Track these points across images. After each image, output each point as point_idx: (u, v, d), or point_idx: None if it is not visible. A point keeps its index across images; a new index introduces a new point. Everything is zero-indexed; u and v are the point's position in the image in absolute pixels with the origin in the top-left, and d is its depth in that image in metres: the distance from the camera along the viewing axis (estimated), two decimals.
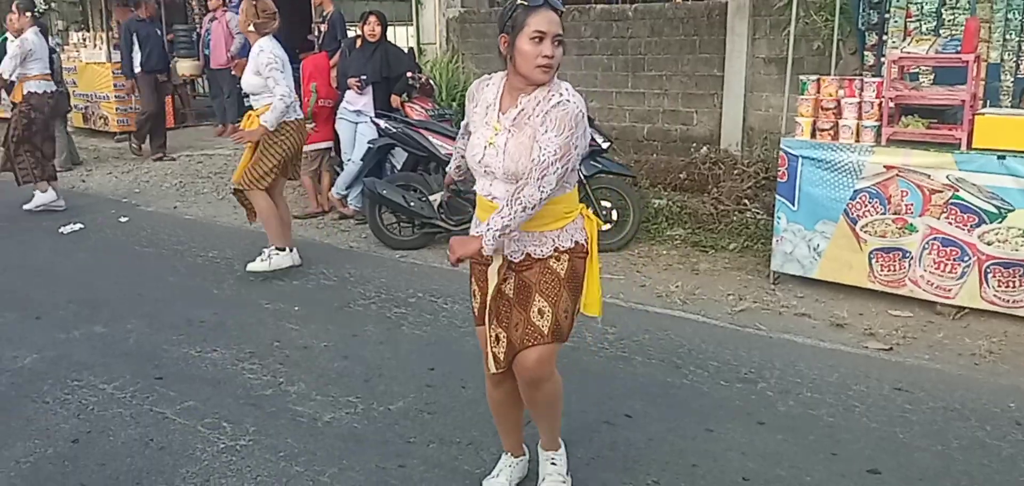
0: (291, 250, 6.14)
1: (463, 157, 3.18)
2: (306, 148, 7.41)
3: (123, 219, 7.95)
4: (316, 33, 10.33)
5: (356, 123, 7.53)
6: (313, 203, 8.02)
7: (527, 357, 2.90)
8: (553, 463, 3.29)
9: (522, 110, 2.79)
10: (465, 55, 10.53)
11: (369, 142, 7.24)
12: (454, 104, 8.67)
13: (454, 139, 6.75)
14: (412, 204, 6.68)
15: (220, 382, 4.34)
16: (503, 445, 3.39)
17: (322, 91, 7.72)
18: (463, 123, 3.11)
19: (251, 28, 5.76)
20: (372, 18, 7.50)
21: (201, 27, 12.94)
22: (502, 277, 2.91)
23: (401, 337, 4.97)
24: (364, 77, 7.35)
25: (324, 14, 9.33)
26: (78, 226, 7.61)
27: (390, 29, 8.54)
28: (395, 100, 7.49)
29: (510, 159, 2.77)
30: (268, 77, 5.71)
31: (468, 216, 6.68)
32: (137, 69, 10.71)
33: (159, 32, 11.25)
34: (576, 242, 2.92)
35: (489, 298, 2.91)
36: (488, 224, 2.71)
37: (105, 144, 12.12)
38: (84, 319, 5.22)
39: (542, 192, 2.68)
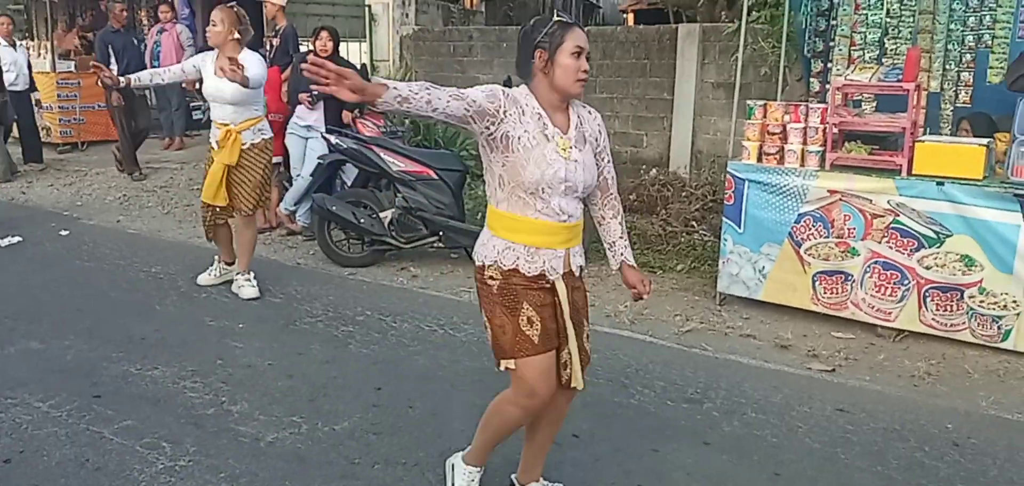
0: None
1: (425, 94, 2.64)
2: None
3: (64, 232, 7.76)
4: (268, 47, 10.22)
5: (306, 138, 7.47)
6: (260, 219, 7.91)
7: (582, 378, 3.03)
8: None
9: (577, 125, 2.90)
10: (418, 73, 10.51)
11: (319, 158, 7.18)
12: (406, 121, 8.64)
13: (407, 157, 6.77)
14: (362, 221, 6.63)
15: (160, 401, 4.24)
16: (477, 460, 3.32)
17: (272, 105, 7.64)
18: (477, 94, 2.75)
19: (234, 37, 5.62)
20: (324, 33, 7.45)
21: (149, 38, 12.73)
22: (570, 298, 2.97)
23: (348, 356, 4.91)
24: (315, 92, 7.29)
25: (276, 28, 9.23)
26: (16, 239, 7.41)
27: (343, 45, 8.48)
28: (346, 116, 7.44)
29: (588, 173, 2.90)
30: (260, 87, 5.70)
31: (418, 235, 6.68)
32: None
33: (136, 41, 10.82)
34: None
35: (567, 315, 2.93)
36: (627, 246, 3.15)
37: (48, 154, 11.83)
38: (20, 335, 5.08)
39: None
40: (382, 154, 6.76)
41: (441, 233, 6.70)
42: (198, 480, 3.49)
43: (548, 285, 2.89)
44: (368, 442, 3.85)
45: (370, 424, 4.03)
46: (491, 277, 2.91)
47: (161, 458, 3.65)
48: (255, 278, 5.93)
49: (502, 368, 2.95)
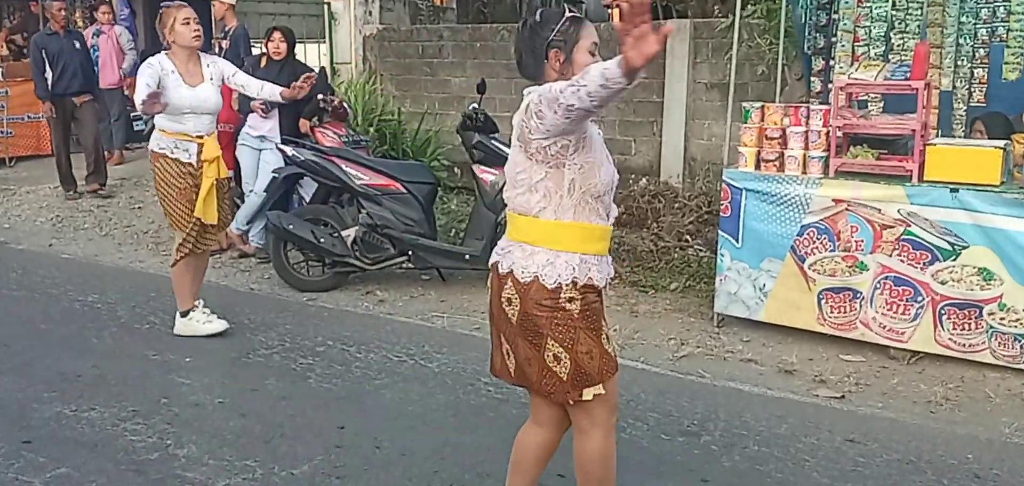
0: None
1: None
2: None
3: None
4: (217, 50, 10.17)
5: (260, 150, 7.42)
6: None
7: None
8: None
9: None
10: (383, 76, 10.50)
11: (274, 171, 7.14)
12: (371, 130, 8.62)
13: (371, 168, 6.74)
14: (322, 241, 6.59)
15: (98, 445, 4.17)
16: None
17: (222, 114, 7.57)
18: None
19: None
20: (277, 34, 7.43)
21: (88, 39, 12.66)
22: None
23: (307, 391, 4.87)
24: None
25: (226, 29, 9.20)
26: None
27: (300, 47, 8.46)
28: (304, 125, 7.40)
29: (614, 168, 2.98)
30: (237, 72, 5.66)
31: (385, 255, 6.65)
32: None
33: (77, 44, 10.01)
34: None
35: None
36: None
37: None
38: None
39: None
40: (344, 166, 6.73)
41: (410, 252, 6.67)
42: None
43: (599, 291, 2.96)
44: None
45: (332, 467, 3.98)
46: (570, 299, 2.84)
47: None
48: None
49: (588, 397, 2.90)
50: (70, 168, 10.15)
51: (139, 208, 9.63)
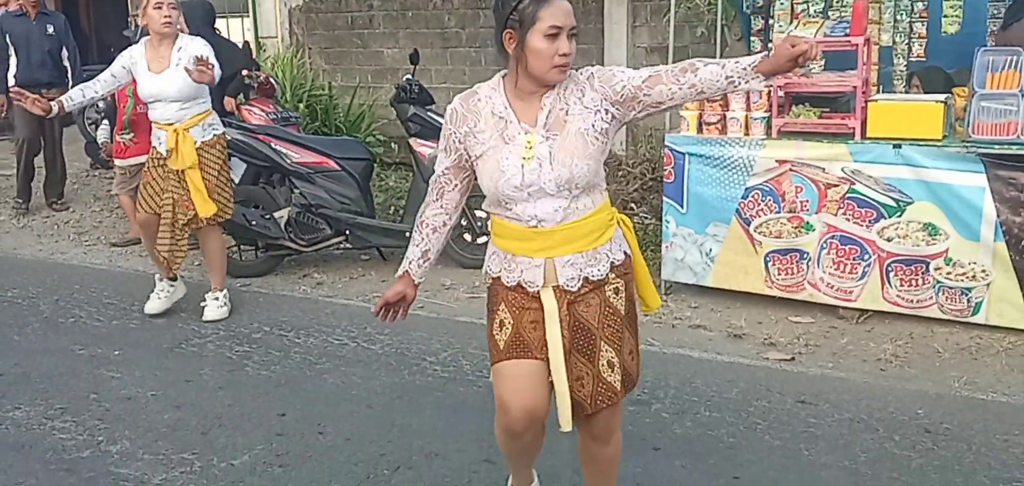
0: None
1: (434, 230, 2.93)
2: (122, 163, 7.16)
3: None
4: (132, 28, 9.96)
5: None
6: (133, 226, 7.71)
7: (613, 424, 2.92)
8: None
9: (550, 111, 2.71)
10: (312, 49, 10.39)
11: None
12: (301, 106, 8.53)
13: (303, 146, 6.68)
14: (254, 223, 6.51)
15: (25, 445, 4.10)
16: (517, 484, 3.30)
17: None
18: (438, 174, 2.88)
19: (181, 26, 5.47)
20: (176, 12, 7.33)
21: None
22: (561, 316, 2.77)
23: (245, 379, 4.83)
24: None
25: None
26: None
27: (222, 22, 8.33)
28: (229, 103, 7.28)
29: (561, 166, 2.67)
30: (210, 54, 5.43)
31: (321, 236, 6.60)
32: (11, 83, 8.22)
33: (51, 29, 8.62)
34: (625, 253, 2.89)
35: (554, 344, 2.76)
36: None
37: None
38: None
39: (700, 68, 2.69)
40: (274, 144, 6.66)
41: (347, 232, 6.63)
42: None
43: (535, 295, 2.79)
44: (273, 476, 3.80)
45: (274, 455, 3.96)
46: (488, 285, 2.92)
47: None
48: (227, 296, 5.82)
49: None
50: (31, 178, 8.95)
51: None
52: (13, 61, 8.44)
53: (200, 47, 5.36)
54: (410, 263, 2.95)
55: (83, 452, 4.03)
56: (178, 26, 5.47)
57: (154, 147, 5.55)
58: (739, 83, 2.66)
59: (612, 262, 2.81)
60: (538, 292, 2.77)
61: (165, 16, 5.27)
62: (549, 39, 2.61)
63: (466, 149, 2.79)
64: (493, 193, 2.75)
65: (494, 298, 2.88)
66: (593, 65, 2.82)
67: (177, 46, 5.37)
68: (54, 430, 4.25)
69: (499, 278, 2.84)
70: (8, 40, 8.47)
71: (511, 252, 2.80)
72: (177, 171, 5.42)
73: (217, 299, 5.75)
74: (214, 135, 5.56)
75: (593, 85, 2.73)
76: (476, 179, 2.82)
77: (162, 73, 5.33)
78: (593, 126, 2.70)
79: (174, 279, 5.85)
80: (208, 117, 5.54)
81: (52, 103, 5.47)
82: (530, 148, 2.68)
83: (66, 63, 8.57)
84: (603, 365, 2.79)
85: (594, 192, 2.78)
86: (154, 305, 5.80)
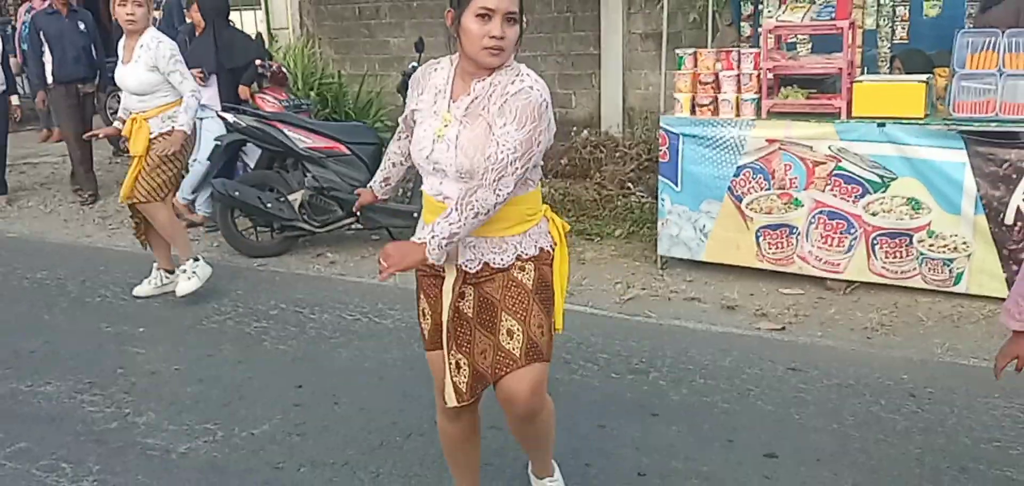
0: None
1: (394, 164, 3.11)
2: None
3: None
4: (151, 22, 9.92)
5: (201, 119, 7.25)
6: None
7: (514, 389, 2.68)
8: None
9: (475, 98, 2.60)
10: (321, 39, 10.36)
11: (216, 139, 7.02)
12: (312, 93, 8.50)
13: (314, 131, 6.66)
14: (269, 205, 6.50)
15: (56, 418, 4.11)
16: None
17: None
18: (402, 117, 2.91)
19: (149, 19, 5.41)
20: (194, 6, 7.30)
21: (16, 19, 12.22)
22: (457, 293, 2.68)
23: (263, 354, 4.83)
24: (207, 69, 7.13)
25: (159, 0, 9.00)
26: None
27: (235, 14, 8.31)
28: (243, 91, 7.28)
29: (463, 154, 2.57)
30: (173, 71, 5.29)
31: (333, 217, 6.59)
32: (49, 80, 8.39)
33: (82, 26, 8.44)
34: (541, 248, 2.73)
35: (445, 319, 2.69)
36: (433, 230, 2.50)
37: None
38: None
39: (498, 196, 2.50)
40: (286, 130, 6.64)
41: (358, 213, 6.62)
42: None
43: (442, 274, 2.72)
44: (291, 444, 3.80)
45: (292, 425, 3.97)
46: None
47: (62, 480, 3.55)
48: (193, 268, 5.59)
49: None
50: (90, 168, 8.72)
51: None
52: (48, 57, 8.30)
53: (165, 58, 5.26)
54: (374, 182, 3.22)
55: (111, 424, 4.04)
56: (145, 23, 5.33)
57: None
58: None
59: (520, 254, 2.69)
60: (442, 269, 2.71)
61: (128, 13, 5.20)
62: (480, 20, 2.50)
63: (411, 111, 2.80)
64: (415, 162, 2.74)
65: (418, 281, 2.85)
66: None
67: (140, 42, 5.27)
68: (83, 403, 4.26)
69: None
70: (42, 37, 8.33)
71: (426, 223, 2.70)
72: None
73: (185, 271, 5.56)
74: (173, 127, 5.41)
75: (497, 104, 2.57)
76: None
77: (127, 65, 5.30)
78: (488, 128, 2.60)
79: (171, 271, 5.75)
80: (169, 110, 5.39)
81: (119, 124, 5.56)
82: (445, 126, 2.62)
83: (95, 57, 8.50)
84: (503, 334, 2.68)
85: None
86: (142, 289, 5.79)
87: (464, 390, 2.72)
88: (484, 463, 3.23)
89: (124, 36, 5.40)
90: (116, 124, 5.60)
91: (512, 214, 2.65)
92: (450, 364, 2.72)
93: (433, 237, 2.50)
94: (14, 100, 8.56)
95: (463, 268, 2.68)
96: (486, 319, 2.70)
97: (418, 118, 2.73)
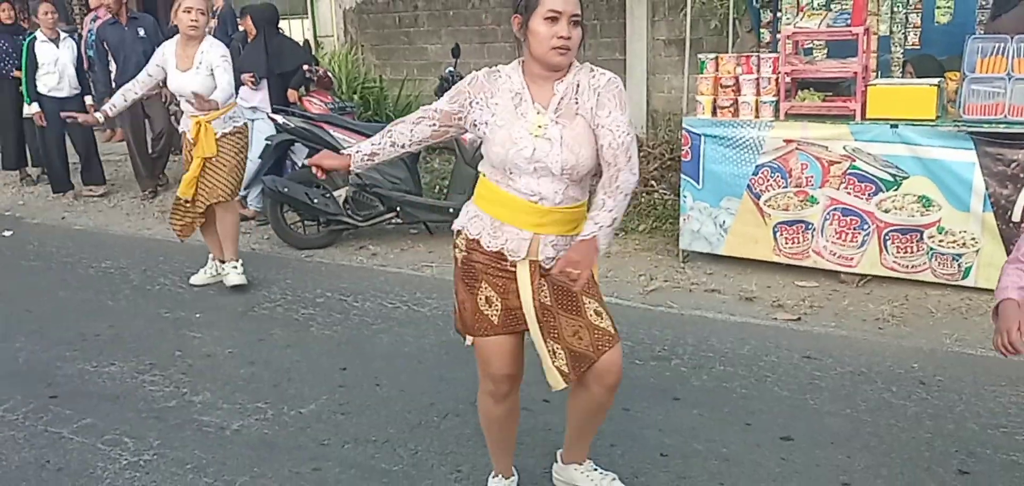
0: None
1: (394, 145, 2.88)
2: None
3: (7, 233, 7.59)
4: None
5: (252, 120, 7.33)
6: None
7: (614, 361, 2.76)
8: (600, 471, 3.21)
9: (563, 97, 2.65)
10: (364, 46, 10.41)
11: (267, 139, 7.08)
12: (355, 97, 8.56)
13: (357, 132, 6.71)
14: (316, 201, 6.56)
15: (119, 396, 4.18)
16: (496, 467, 3.21)
17: None
18: (440, 110, 2.81)
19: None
20: (247, 18, 7.38)
21: (82, 27, 12.37)
22: (537, 285, 2.73)
23: (310, 339, 4.88)
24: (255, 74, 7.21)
25: (215, 9, 9.09)
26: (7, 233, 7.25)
27: (284, 23, 8.38)
28: (292, 95, 7.35)
29: (569, 151, 2.61)
30: (218, 66, 5.28)
31: (375, 212, 6.63)
32: (113, 86, 8.07)
33: (142, 32, 8.28)
34: None
35: (530, 312, 2.72)
36: (598, 222, 2.54)
37: None
38: None
39: (635, 173, 2.61)
40: (332, 131, 6.69)
41: (398, 209, 6.66)
42: (164, 473, 3.46)
43: (511, 268, 2.74)
44: (336, 423, 3.84)
45: (337, 405, 4.01)
46: (458, 247, 2.82)
47: (124, 454, 3.61)
48: (242, 266, 5.73)
49: (468, 343, 2.90)
50: (149, 166, 8.76)
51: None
52: (113, 66, 8.34)
53: (217, 56, 5.28)
54: (357, 152, 2.91)
55: (170, 402, 4.11)
56: (206, 29, 5.43)
57: (184, 133, 5.51)
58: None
59: None
60: (515, 263, 2.72)
61: (192, 19, 5.21)
62: (549, 22, 2.55)
63: (470, 113, 2.76)
64: (502, 162, 2.67)
65: (471, 271, 2.79)
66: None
67: (201, 48, 5.29)
68: (144, 383, 4.32)
69: (478, 241, 2.75)
70: (106, 46, 8.38)
71: (499, 219, 2.72)
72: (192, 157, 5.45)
73: (236, 268, 5.67)
74: (234, 127, 5.49)
75: (591, 100, 2.65)
76: (457, 142, 2.82)
77: (186, 71, 5.27)
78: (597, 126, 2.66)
79: (222, 261, 5.79)
80: (230, 111, 5.45)
81: (97, 113, 5.61)
82: (541, 127, 2.63)
83: None
84: (591, 314, 2.75)
85: (584, 186, 2.76)
86: (198, 278, 5.90)
87: (567, 371, 2.76)
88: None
89: (177, 43, 5.35)
90: (98, 116, 5.62)
91: (580, 213, 2.74)
92: (547, 352, 2.76)
93: (601, 228, 2.56)
94: (88, 100, 8.65)
95: (541, 264, 2.72)
96: (567, 304, 2.75)
97: (495, 124, 2.69)
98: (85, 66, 9.01)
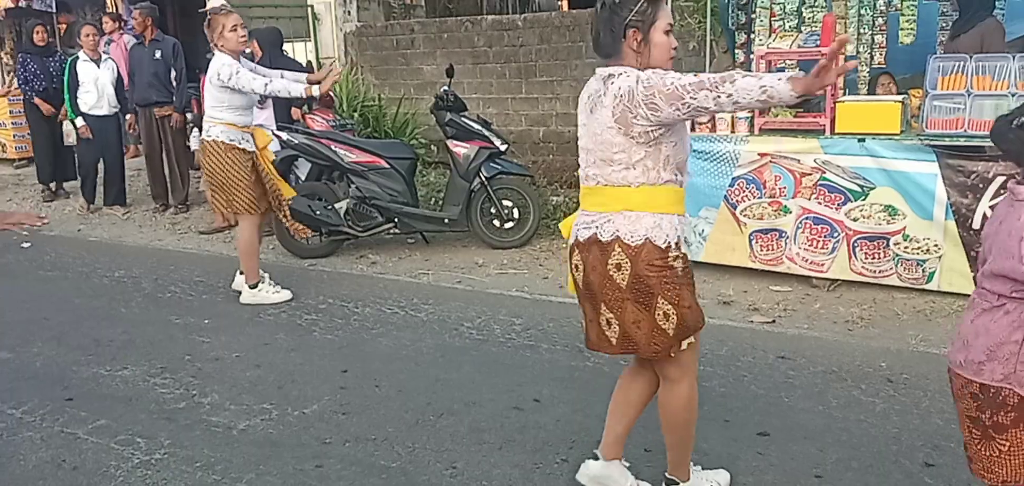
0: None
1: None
2: None
3: (25, 245, 7.52)
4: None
5: None
6: (219, 218, 7.76)
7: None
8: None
9: None
10: (364, 67, 10.38)
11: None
12: (355, 115, 8.52)
13: (357, 148, 6.68)
14: (318, 213, 6.53)
15: (132, 399, 4.14)
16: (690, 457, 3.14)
17: None
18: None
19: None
20: (254, 42, 7.35)
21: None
22: None
23: (313, 342, 4.85)
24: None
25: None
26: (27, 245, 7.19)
27: (289, 45, 8.35)
28: (296, 113, 7.31)
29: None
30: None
31: (375, 222, 6.62)
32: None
33: (158, 54, 8.20)
34: None
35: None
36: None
37: (4, 171, 11.47)
38: None
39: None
40: (334, 147, 6.67)
41: (396, 219, 6.64)
42: (173, 471, 3.43)
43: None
44: (338, 422, 3.81)
45: (338, 405, 3.98)
46: (676, 257, 2.70)
47: (136, 453, 3.58)
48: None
49: (684, 347, 2.77)
50: (162, 182, 8.63)
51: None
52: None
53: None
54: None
55: (180, 403, 4.07)
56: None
57: (243, 150, 5.41)
58: (772, 94, 2.51)
59: None
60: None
61: (241, 36, 5.30)
62: (667, 34, 2.69)
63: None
64: (682, 158, 2.77)
65: (689, 269, 2.78)
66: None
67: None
68: (156, 386, 4.29)
69: (678, 243, 2.72)
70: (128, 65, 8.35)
71: (679, 214, 2.77)
72: (256, 167, 5.50)
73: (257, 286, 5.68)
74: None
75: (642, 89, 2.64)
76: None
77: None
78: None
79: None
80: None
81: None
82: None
83: (173, 83, 8.31)
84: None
85: None
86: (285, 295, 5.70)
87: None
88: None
89: (233, 59, 5.31)
90: (192, 141, 5.64)
91: None
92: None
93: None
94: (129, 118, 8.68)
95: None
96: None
97: (673, 129, 2.69)
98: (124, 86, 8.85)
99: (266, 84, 5.35)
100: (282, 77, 5.60)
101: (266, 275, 5.67)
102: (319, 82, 5.68)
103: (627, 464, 3.17)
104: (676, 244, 2.71)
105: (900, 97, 5.22)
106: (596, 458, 3.15)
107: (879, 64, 6.37)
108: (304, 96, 5.62)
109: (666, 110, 2.58)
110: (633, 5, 2.63)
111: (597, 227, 2.75)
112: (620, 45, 2.68)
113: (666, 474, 3.08)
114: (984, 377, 2.30)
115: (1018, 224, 2.18)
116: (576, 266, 2.85)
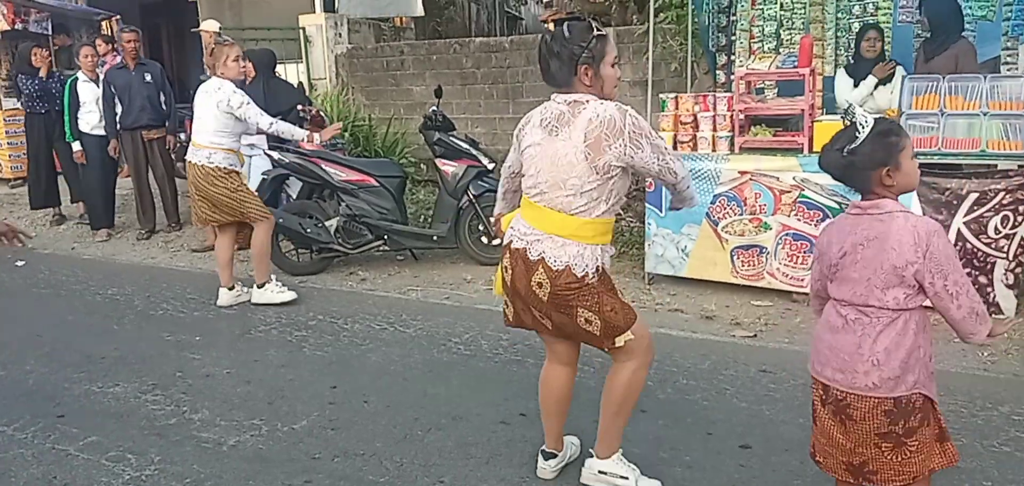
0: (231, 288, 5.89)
1: None
2: None
3: (19, 263, 7.45)
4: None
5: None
6: (210, 236, 7.71)
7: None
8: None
9: None
10: (354, 88, 10.38)
11: (263, 173, 7.01)
12: (346, 134, 8.50)
13: (348, 167, 6.66)
14: (309, 231, 6.50)
15: (123, 415, 4.09)
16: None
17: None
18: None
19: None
20: (248, 63, 7.33)
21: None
22: None
23: (303, 359, 4.81)
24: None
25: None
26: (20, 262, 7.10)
27: (281, 66, 8.32)
28: None
29: None
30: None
31: (364, 240, 6.58)
32: (118, 127, 8.13)
33: (148, 77, 8.07)
34: None
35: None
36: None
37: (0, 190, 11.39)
38: None
39: None
40: (324, 166, 6.64)
41: (385, 237, 6.61)
42: None
43: None
44: (327, 437, 3.77)
45: (328, 421, 3.94)
46: (590, 279, 2.87)
47: (127, 469, 3.52)
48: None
49: (620, 343, 2.95)
50: (149, 206, 8.43)
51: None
52: (119, 108, 8.09)
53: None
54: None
55: (171, 420, 4.02)
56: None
57: (239, 173, 5.74)
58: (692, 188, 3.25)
59: None
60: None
61: (242, 67, 5.56)
62: (615, 66, 2.85)
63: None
64: (622, 195, 2.93)
65: (606, 278, 2.98)
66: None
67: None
68: (147, 402, 4.23)
69: (598, 269, 2.91)
70: (112, 90, 8.09)
71: (603, 244, 2.94)
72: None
73: (232, 290, 5.91)
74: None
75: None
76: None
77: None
78: None
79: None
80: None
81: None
82: None
83: (164, 106, 8.22)
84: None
85: None
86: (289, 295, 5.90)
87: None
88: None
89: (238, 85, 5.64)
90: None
91: None
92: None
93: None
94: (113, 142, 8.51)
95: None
96: None
97: (626, 172, 2.89)
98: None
99: (271, 123, 5.66)
100: (284, 118, 5.96)
101: (273, 275, 5.87)
102: (320, 130, 6.16)
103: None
104: (594, 271, 2.87)
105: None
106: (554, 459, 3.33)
107: None
108: (302, 141, 5.99)
109: (646, 154, 2.78)
110: (584, 41, 2.78)
111: (527, 242, 2.89)
112: (572, 78, 2.81)
113: (591, 449, 3.25)
114: (900, 390, 2.35)
115: (898, 241, 2.31)
116: (506, 268, 2.99)
